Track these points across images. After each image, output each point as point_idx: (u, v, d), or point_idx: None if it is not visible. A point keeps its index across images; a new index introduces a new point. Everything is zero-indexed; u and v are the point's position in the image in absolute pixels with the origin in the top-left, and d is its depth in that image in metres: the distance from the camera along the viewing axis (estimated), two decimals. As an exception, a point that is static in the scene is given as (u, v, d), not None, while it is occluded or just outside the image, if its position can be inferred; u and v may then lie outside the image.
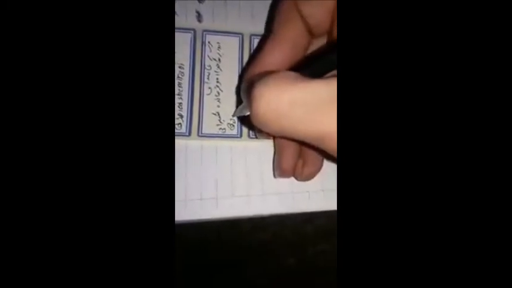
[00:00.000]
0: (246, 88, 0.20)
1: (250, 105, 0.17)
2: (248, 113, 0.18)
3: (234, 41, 0.27)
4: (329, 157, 0.24)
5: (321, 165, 0.24)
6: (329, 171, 0.25)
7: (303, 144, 0.22)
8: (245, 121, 0.25)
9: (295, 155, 0.23)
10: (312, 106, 0.15)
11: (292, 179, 0.25)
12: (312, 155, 0.23)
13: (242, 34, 0.27)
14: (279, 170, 0.23)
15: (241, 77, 0.26)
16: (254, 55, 0.23)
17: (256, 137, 0.25)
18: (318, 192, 0.25)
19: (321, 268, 0.25)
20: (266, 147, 0.25)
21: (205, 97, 0.25)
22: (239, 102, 0.21)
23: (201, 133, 0.25)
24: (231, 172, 0.25)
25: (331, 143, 0.15)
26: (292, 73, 0.17)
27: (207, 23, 0.27)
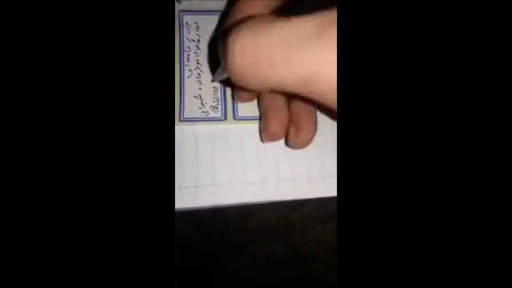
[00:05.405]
0: (221, 42, 0.17)
1: (225, 58, 0.15)
2: (226, 75, 0.16)
3: (213, 19, 0.25)
4: (323, 109, 0.22)
5: (315, 130, 0.22)
6: (315, 158, 0.24)
7: (292, 96, 0.20)
8: (226, 84, 0.23)
9: (283, 115, 0.21)
10: (293, 45, 0.14)
11: (277, 165, 0.23)
12: (304, 119, 0.21)
13: (222, 12, 0.25)
14: (267, 132, 0.22)
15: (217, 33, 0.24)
16: (231, 7, 0.21)
17: (235, 100, 0.24)
18: (303, 180, 0.23)
19: (310, 256, 0.23)
20: (253, 129, 0.24)
21: (186, 80, 0.24)
22: (217, 64, 0.20)
23: (183, 117, 0.23)
24: (212, 158, 0.23)
25: (318, 85, 0.14)
26: (267, 15, 0.15)
27: (185, 3, 0.25)
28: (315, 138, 0.23)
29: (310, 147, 0.23)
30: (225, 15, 0.25)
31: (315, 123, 0.22)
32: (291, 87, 0.15)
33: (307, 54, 0.14)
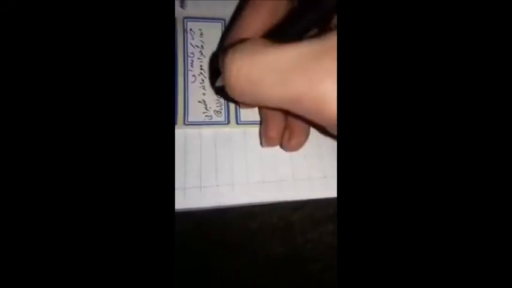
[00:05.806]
0: (221, 58, 0.19)
1: (223, 74, 0.17)
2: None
3: (217, 26, 0.26)
4: (312, 124, 0.23)
5: (307, 135, 0.23)
6: (315, 159, 0.25)
7: (287, 113, 0.21)
8: (225, 92, 0.24)
9: (280, 122, 0.23)
10: (283, 69, 0.15)
11: (278, 167, 0.24)
12: (298, 125, 0.23)
13: (225, 20, 0.26)
14: (266, 137, 0.23)
15: (220, 46, 0.25)
16: (233, 23, 0.22)
17: (239, 107, 0.25)
18: (304, 180, 0.24)
19: (310, 257, 0.24)
20: (255, 133, 0.25)
21: (190, 85, 0.25)
22: (218, 73, 0.21)
23: (188, 121, 0.24)
24: (215, 160, 0.24)
25: (305, 104, 0.15)
26: (262, 39, 0.17)
27: (189, 9, 0.26)
28: (316, 141, 0.24)
29: (310, 149, 0.24)
30: (227, 29, 0.26)
31: (308, 130, 0.23)
32: (281, 105, 0.17)
33: (294, 79, 0.15)
